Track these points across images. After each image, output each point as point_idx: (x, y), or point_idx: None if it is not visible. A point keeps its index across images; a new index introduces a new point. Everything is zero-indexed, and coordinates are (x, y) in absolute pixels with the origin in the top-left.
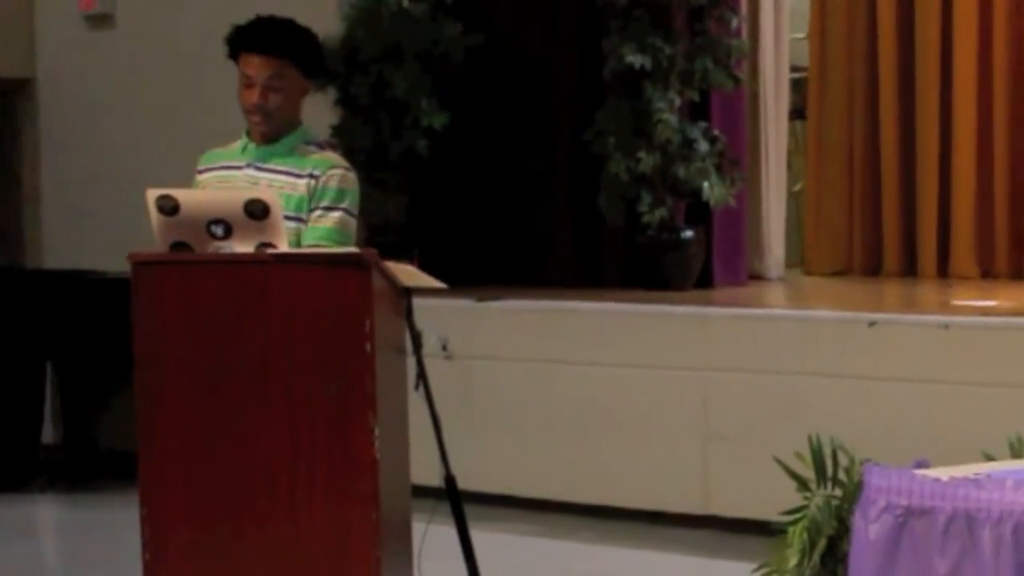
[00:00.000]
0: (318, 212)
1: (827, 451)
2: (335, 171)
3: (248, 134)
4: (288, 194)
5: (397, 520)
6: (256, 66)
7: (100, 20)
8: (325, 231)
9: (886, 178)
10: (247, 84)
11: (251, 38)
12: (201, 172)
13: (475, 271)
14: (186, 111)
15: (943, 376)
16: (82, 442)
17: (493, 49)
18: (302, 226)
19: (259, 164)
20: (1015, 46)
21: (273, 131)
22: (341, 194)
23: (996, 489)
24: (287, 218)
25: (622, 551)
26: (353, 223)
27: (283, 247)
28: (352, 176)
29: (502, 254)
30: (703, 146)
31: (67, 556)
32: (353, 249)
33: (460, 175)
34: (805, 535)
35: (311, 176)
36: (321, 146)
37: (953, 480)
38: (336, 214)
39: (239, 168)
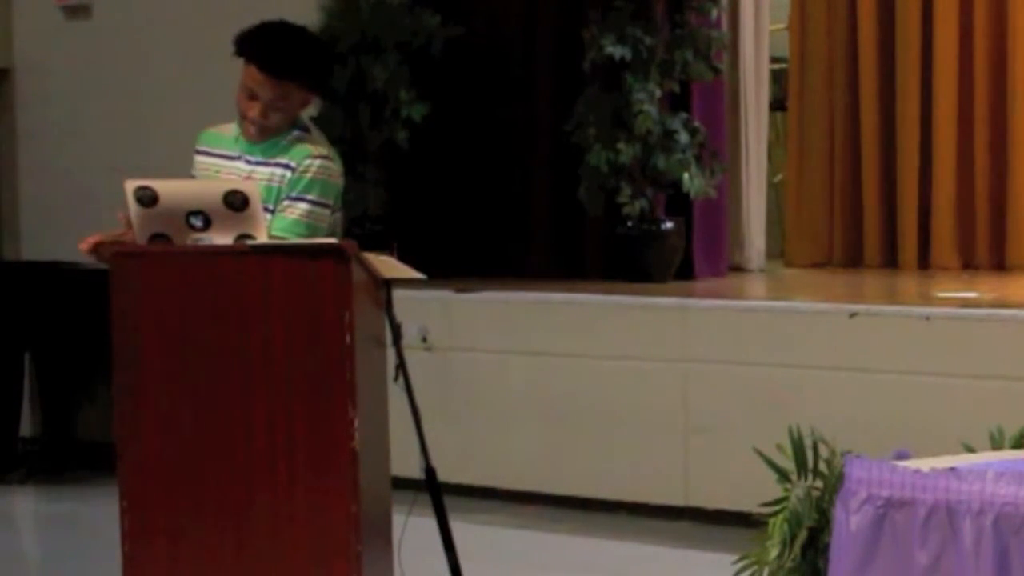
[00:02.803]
0: (286, 202)
1: (808, 442)
2: (310, 161)
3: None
4: (267, 186)
5: (377, 512)
6: (260, 84)
7: (77, 11)
8: (287, 223)
9: (867, 169)
10: (248, 95)
11: (261, 54)
12: (200, 153)
13: (454, 262)
14: (163, 102)
15: (924, 368)
16: (61, 434)
17: (472, 40)
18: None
19: (248, 157)
20: (995, 37)
21: (266, 138)
22: (311, 185)
23: (977, 481)
24: (265, 210)
25: (602, 543)
26: (322, 213)
27: (263, 239)
28: (329, 165)
29: (481, 245)
30: (683, 137)
31: (46, 548)
32: (332, 240)
33: (439, 166)
34: (786, 527)
35: (287, 167)
36: (307, 131)
37: (934, 472)
38: (302, 205)
39: (232, 159)
